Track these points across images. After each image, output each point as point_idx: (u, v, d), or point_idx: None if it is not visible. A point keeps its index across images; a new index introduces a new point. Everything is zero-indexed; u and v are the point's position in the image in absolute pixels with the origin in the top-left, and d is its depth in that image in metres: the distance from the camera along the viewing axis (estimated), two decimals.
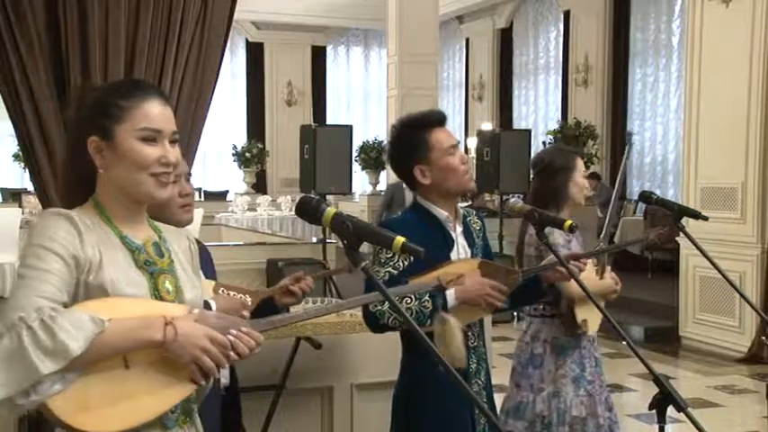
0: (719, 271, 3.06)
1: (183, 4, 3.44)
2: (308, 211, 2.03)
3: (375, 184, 16.84)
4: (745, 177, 7.64)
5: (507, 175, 9.23)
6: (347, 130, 8.79)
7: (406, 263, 2.67)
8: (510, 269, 2.89)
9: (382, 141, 15.83)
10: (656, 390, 2.12)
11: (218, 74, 3.67)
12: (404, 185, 3.06)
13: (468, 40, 18.58)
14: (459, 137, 17.40)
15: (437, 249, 2.72)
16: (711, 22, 7.91)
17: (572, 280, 2.84)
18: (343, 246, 1.98)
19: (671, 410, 2.11)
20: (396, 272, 2.71)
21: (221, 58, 3.68)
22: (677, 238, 7.84)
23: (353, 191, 13.07)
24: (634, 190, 13.75)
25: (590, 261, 3.19)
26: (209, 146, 17.00)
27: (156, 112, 1.87)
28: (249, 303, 2.24)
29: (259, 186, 17.72)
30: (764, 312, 6.63)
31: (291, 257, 7.67)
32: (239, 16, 7.02)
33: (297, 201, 2.08)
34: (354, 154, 12.59)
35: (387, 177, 12.90)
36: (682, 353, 8.15)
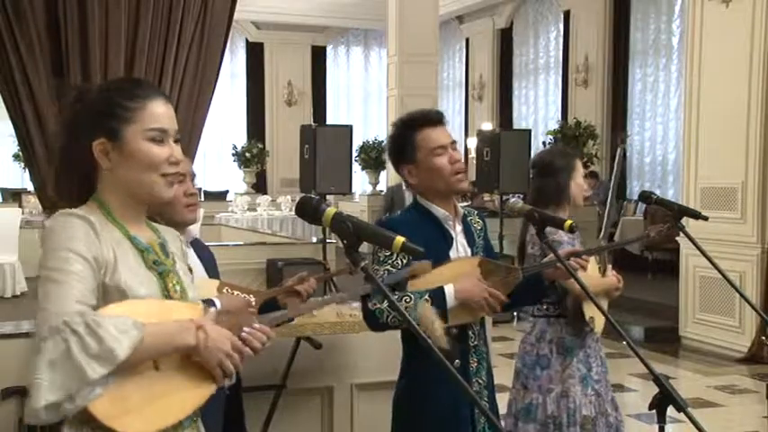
0: (719, 271, 3.06)
1: (183, 5, 3.44)
2: (308, 211, 2.03)
3: (375, 184, 16.85)
4: (745, 177, 7.64)
5: (507, 175, 9.23)
6: (347, 130, 8.79)
7: (404, 261, 2.67)
8: (510, 267, 2.89)
9: (382, 141, 15.84)
10: (656, 390, 2.12)
11: (218, 74, 3.67)
12: (403, 187, 3.07)
13: (468, 40, 18.58)
14: (459, 137, 17.42)
15: (436, 248, 2.71)
16: (711, 22, 7.91)
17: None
18: (343, 246, 1.99)
19: (671, 410, 2.11)
20: (394, 270, 2.71)
21: (221, 57, 3.69)
22: (677, 238, 7.85)
23: (353, 191, 13.07)
24: (634, 190, 13.75)
25: (593, 259, 3.19)
26: (210, 146, 17.00)
27: (161, 112, 1.88)
28: (253, 303, 2.24)
29: (259, 186, 17.73)
30: (764, 312, 6.63)
31: (291, 257, 7.67)
32: (239, 16, 7.02)
33: (297, 201, 2.08)
34: (354, 154, 12.60)
35: (387, 177, 12.91)
36: (682, 353, 8.15)
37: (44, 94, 3.26)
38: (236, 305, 2.42)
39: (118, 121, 1.83)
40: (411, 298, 2.65)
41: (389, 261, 2.71)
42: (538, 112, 16.76)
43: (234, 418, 2.84)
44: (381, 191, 15.64)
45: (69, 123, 1.88)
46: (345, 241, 1.98)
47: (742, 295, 3.31)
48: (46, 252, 1.74)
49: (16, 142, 3.57)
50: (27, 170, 3.70)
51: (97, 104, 1.85)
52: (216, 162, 17.97)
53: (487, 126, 15.91)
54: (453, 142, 2.89)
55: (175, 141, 1.90)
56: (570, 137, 13.53)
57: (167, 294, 1.88)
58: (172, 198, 1.94)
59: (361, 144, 16.60)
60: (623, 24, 14.37)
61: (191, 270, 2.04)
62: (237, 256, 7.69)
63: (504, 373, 3.52)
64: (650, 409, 2.14)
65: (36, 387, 1.61)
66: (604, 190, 12.29)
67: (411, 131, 2.86)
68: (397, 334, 2.95)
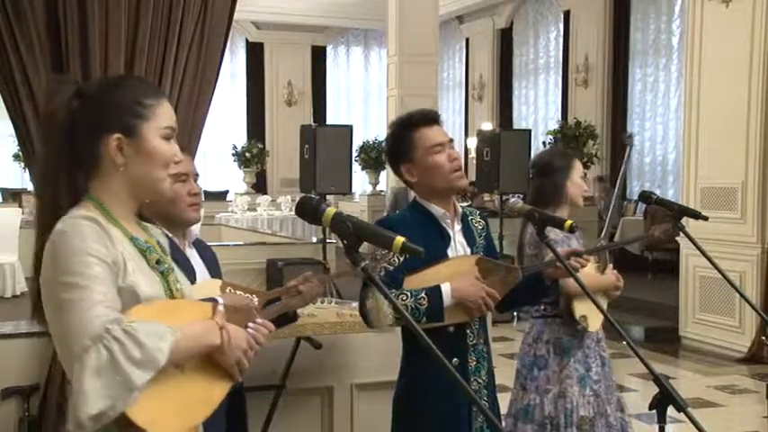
0: (719, 271, 3.06)
1: (183, 4, 3.44)
2: (308, 211, 2.03)
3: (375, 184, 16.85)
4: (745, 177, 7.64)
5: (507, 175, 9.23)
6: (347, 130, 8.79)
7: (401, 259, 2.67)
8: (510, 266, 2.89)
9: (382, 141, 15.83)
10: (656, 390, 2.12)
11: (218, 74, 3.67)
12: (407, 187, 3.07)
13: (468, 40, 18.58)
14: (459, 137, 17.43)
15: (434, 246, 2.72)
16: (711, 22, 7.91)
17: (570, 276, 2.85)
18: (343, 246, 1.99)
19: (671, 410, 2.11)
20: (391, 267, 2.72)
21: (221, 57, 3.68)
22: (677, 238, 7.85)
23: (353, 191, 13.07)
24: (634, 190, 13.75)
25: (591, 258, 3.19)
26: (210, 146, 17.01)
27: (171, 111, 1.90)
28: (256, 303, 2.24)
29: (259, 186, 17.73)
30: (764, 312, 6.63)
31: (291, 257, 7.67)
32: (239, 16, 7.03)
33: (297, 201, 2.09)
34: (354, 154, 12.59)
35: (387, 177, 12.90)
36: (682, 353, 8.15)
37: (44, 93, 3.26)
38: (237, 302, 2.42)
39: (138, 117, 1.82)
40: (408, 295, 2.65)
41: (386, 259, 2.71)
42: (538, 112, 16.76)
43: (237, 417, 2.83)
44: (381, 191, 15.66)
45: (71, 120, 1.82)
46: (345, 241, 1.98)
47: (742, 295, 3.32)
48: (65, 257, 1.70)
49: (16, 142, 3.57)
50: (27, 170, 3.70)
51: (112, 100, 1.83)
52: (216, 162, 17.97)
53: (487, 126, 15.91)
54: (451, 141, 2.90)
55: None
56: (570, 137, 13.52)
57: (170, 293, 1.88)
58: (171, 196, 1.94)
59: (361, 144, 16.60)
60: (623, 24, 14.37)
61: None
62: (237, 256, 7.69)
63: (504, 374, 3.52)
64: (650, 409, 2.14)
65: (82, 397, 1.61)
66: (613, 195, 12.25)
67: (408, 131, 2.87)
68: (397, 334, 2.96)
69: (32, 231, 1.88)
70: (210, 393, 1.84)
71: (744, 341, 7.65)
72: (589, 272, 3.17)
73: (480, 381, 2.85)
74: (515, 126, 16.66)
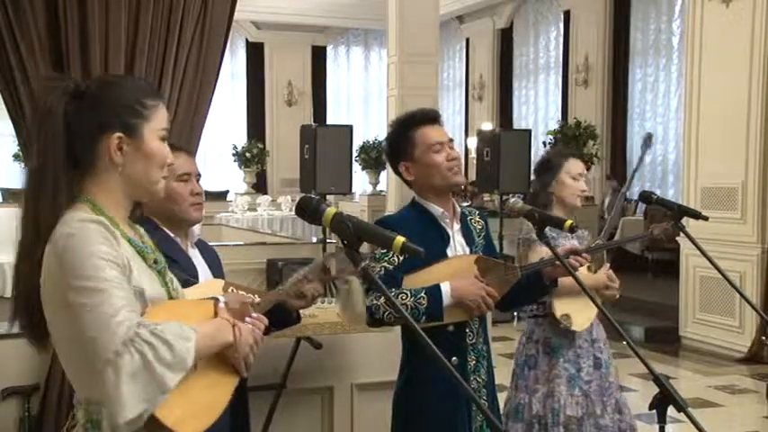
0: (720, 271, 3.06)
1: (183, 4, 3.44)
2: (308, 211, 2.03)
3: (375, 184, 16.85)
4: (746, 177, 7.64)
5: (507, 176, 9.22)
6: (347, 130, 8.78)
7: (401, 258, 2.68)
8: (509, 265, 2.89)
9: (382, 141, 15.78)
10: (656, 390, 2.12)
11: (218, 74, 3.67)
12: None
13: (468, 40, 18.57)
14: (459, 137, 17.43)
15: (433, 246, 2.72)
16: (711, 21, 7.91)
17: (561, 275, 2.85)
18: (344, 246, 1.99)
19: (671, 410, 2.11)
20: (391, 267, 2.72)
21: (221, 57, 3.69)
22: (677, 238, 7.84)
23: (354, 191, 13.06)
24: (634, 190, 13.73)
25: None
26: (210, 146, 16.99)
27: (166, 113, 1.90)
28: (252, 300, 2.24)
29: (259, 186, 17.72)
30: (765, 312, 6.62)
31: (291, 257, 7.66)
32: (239, 16, 7.02)
33: (297, 201, 2.09)
34: (355, 154, 12.59)
35: (387, 177, 12.90)
36: (682, 353, 8.15)
37: (38, 92, 3.25)
38: (232, 299, 2.42)
39: (139, 117, 1.82)
40: (408, 295, 2.66)
41: (386, 258, 2.72)
42: (538, 112, 16.75)
43: (240, 416, 2.83)
44: (381, 191, 15.64)
45: (67, 118, 1.79)
46: (345, 241, 1.98)
47: (742, 295, 3.32)
48: (77, 261, 1.69)
49: (16, 142, 3.57)
50: None
51: (113, 99, 1.82)
52: (216, 162, 17.96)
53: (487, 126, 15.90)
54: (450, 140, 2.91)
55: None
56: (570, 137, 13.52)
57: (168, 293, 1.89)
58: (162, 197, 1.94)
59: (362, 144, 16.59)
60: (623, 24, 14.36)
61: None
62: (238, 256, 7.67)
63: (503, 373, 3.52)
64: (650, 409, 2.14)
65: (120, 402, 1.61)
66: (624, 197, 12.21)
67: (408, 129, 2.88)
68: (397, 334, 2.96)
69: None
70: (222, 389, 1.87)
71: (744, 341, 7.65)
72: (581, 271, 3.16)
73: (480, 380, 2.85)
74: (515, 126, 16.65)
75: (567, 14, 15.49)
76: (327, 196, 8.53)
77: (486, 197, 13.24)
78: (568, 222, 2.77)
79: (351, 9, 17.36)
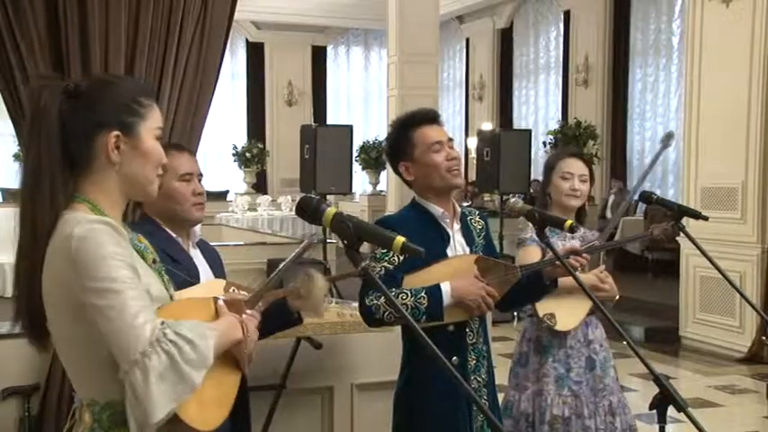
0: (720, 271, 3.06)
1: (183, 5, 3.44)
2: (308, 211, 2.03)
3: (375, 184, 16.86)
4: (746, 177, 7.64)
5: (507, 176, 9.22)
6: (347, 130, 8.79)
7: (401, 258, 2.68)
8: (509, 265, 2.89)
9: (382, 141, 15.82)
10: (656, 390, 2.12)
11: (218, 74, 3.67)
12: None
13: (468, 40, 18.58)
14: (460, 137, 17.43)
15: (433, 246, 2.72)
16: (712, 21, 7.91)
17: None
18: (344, 246, 1.99)
19: (671, 410, 2.11)
20: (391, 266, 2.72)
21: (221, 58, 3.68)
22: (677, 238, 7.84)
23: (354, 191, 13.07)
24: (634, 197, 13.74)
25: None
26: (210, 146, 17.00)
27: (160, 113, 1.90)
28: (259, 304, 2.24)
29: (259, 186, 17.74)
30: (765, 312, 6.62)
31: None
32: (239, 16, 7.02)
33: (297, 201, 2.09)
34: (355, 154, 12.59)
35: (387, 177, 12.90)
36: (682, 353, 8.15)
37: (31, 91, 3.25)
38: (229, 298, 2.42)
39: (136, 116, 1.81)
40: (408, 295, 2.66)
41: (386, 257, 2.73)
42: (538, 112, 16.77)
43: (240, 413, 2.83)
44: (381, 191, 15.65)
45: (62, 117, 1.77)
46: (346, 241, 1.98)
47: (742, 295, 3.31)
48: (92, 263, 1.67)
49: (16, 142, 3.57)
50: None
51: (109, 97, 1.81)
52: (216, 162, 17.98)
53: (488, 126, 15.91)
54: (450, 140, 2.91)
55: None
56: (570, 137, 13.53)
57: (168, 292, 1.89)
58: (156, 198, 1.94)
59: (362, 144, 16.61)
60: (623, 24, 14.37)
61: None
62: (238, 256, 7.68)
63: (503, 373, 3.52)
64: (650, 409, 2.14)
65: (151, 402, 1.62)
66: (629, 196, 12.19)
67: (408, 129, 2.89)
68: (398, 334, 2.96)
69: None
70: (229, 385, 1.91)
71: (744, 341, 7.65)
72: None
73: (480, 379, 2.86)
74: (515, 126, 16.67)
75: (567, 14, 15.50)
76: (327, 196, 8.54)
77: (487, 197, 13.25)
78: (568, 222, 2.77)
79: (351, 9, 17.37)
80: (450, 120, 18.60)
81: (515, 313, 8.67)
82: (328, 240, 7.87)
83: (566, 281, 3.00)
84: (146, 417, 1.63)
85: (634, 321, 8.80)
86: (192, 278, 2.63)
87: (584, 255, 2.98)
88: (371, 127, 19.33)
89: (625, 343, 2.47)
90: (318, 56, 19.73)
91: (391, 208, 10.79)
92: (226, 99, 17.87)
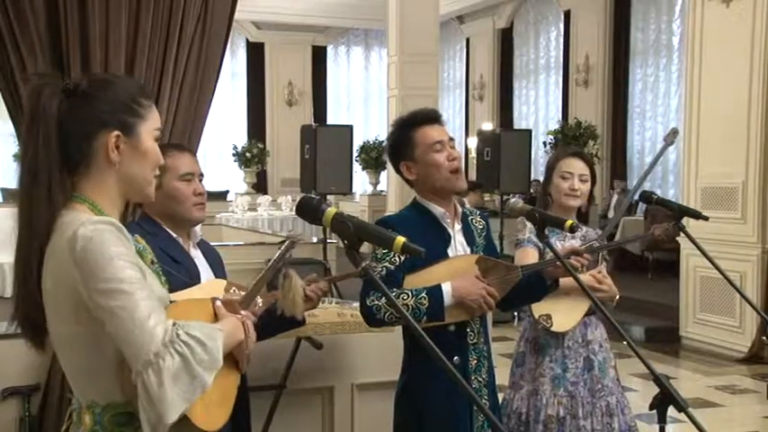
0: (720, 271, 3.06)
1: (183, 5, 3.44)
2: (308, 211, 2.03)
3: (375, 184, 16.86)
4: (746, 177, 7.64)
5: (508, 176, 9.23)
6: (348, 130, 8.79)
7: (402, 258, 2.68)
8: (510, 265, 2.89)
9: (383, 141, 15.83)
10: (656, 390, 2.12)
11: (218, 74, 3.67)
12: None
13: (468, 40, 18.58)
14: (460, 137, 17.43)
15: (434, 246, 2.72)
16: (712, 22, 7.91)
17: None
18: (344, 246, 1.99)
19: (671, 410, 2.11)
20: (392, 267, 2.72)
21: (222, 57, 3.69)
22: (678, 238, 7.84)
23: (354, 191, 13.07)
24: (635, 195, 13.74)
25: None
26: (210, 146, 17.02)
27: (158, 113, 1.89)
28: (260, 304, 2.24)
29: (259, 186, 17.73)
30: (765, 312, 6.62)
31: (291, 257, 7.64)
32: (240, 16, 7.02)
33: (297, 201, 2.09)
34: (355, 154, 12.59)
35: (387, 177, 12.90)
36: (682, 353, 8.15)
37: (29, 90, 3.25)
38: (226, 298, 2.43)
39: (134, 116, 1.81)
40: (409, 295, 2.66)
41: (387, 258, 2.72)
42: (538, 112, 16.77)
43: (241, 413, 2.83)
44: (382, 191, 15.65)
45: (61, 116, 1.76)
46: (346, 241, 1.98)
47: (742, 295, 3.31)
48: (100, 264, 1.66)
49: (16, 142, 3.57)
50: None
51: (109, 97, 1.79)
52: (216, 162, 17.98)
53: (488, 126, 15.91)
54: (451, 140, 2.91)
55: None
56: (571, 137, 13.53)
57: (167, 293, 1.89)
58: (153, 199, 1.93)
59: (362, 144, 16.60)
60: (624, 24, 14.37)
61: None
62: (238, 256, 7.67)
63: (504, 373, 3.52)
64: (651, 409, 2.14)
65: (165, 403, 1.63)
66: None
67: (410, 129, 2.89)
68: (398, 334, 2.96)
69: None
70: (230, 385, 1.92)
71: (744, 341, 7.65)
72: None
73: (481, 380, 2.86)
74: (516, 126, 16.67)
75: (567, 14, 15.50)
76: (328, 196, 8.54)
77: (487, 197, 13.24)
78: (569, 222, 2.77)
79: (351, 9, 17.37)
80: (450, 120, 18.59)
81: (515, 313, 8.67)
82: (328, 240, 7.87)
83: (565, 281, 2.99)
84: (159, 418, 1.63)
85: (634, 321, 8.80)
86: (192, 279, 2.63)
87: (585, 255, 2.97)
88: (372, 127, 19.33)
89: (625, 343, 2.47)
90: (319, 56, 19.73)
91: (391, 208, 10.80)
92: (226, 99, 17.87)
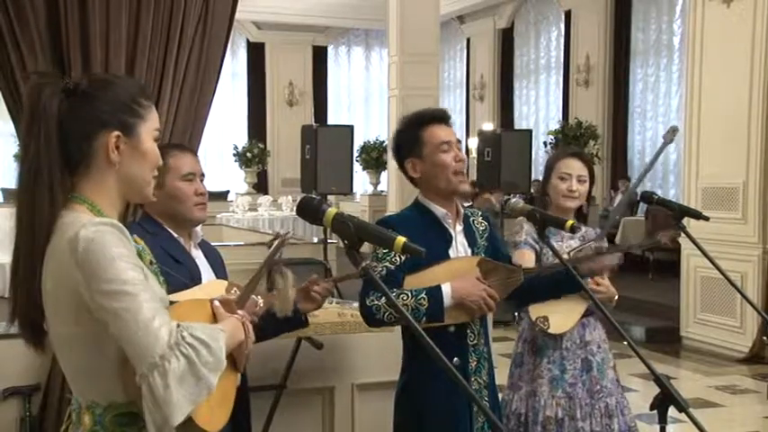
0: (720, 271, 3.06)
1: (184, 5, 3.44)
2: (309, 211, 2.04)
3: (376, 184, 16.86)
4: (746, 177, 7.64)
5: (508, 176, 9.23)
6: (348, 131, 8.80)
7: (403, 258, 2.67)
8: (511, 267, 2.89)
9: (383, 141, 15.84)
10: (657, 390, 2.12)
11: (219, 74, 3.67)
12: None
13: (469, 40, 18.59)
14: (461, 137, 17.41)
15: (435, 247, 2.72)
16: (712, 21, 7.90)
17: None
18: (344, 246, 1.99)
19: (672, 410, 2.11)
20: (393, 267, 2.72)
21: (222, 58, 3.69)
22: (679, 239, 7.84)
23: (354, 191, 13.07)
24: (635, 190, 13.74)
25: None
26: (211, 146, 17.02)
27: (157, 114, 1.89)
28: (261, 304, 2.23)
29: (260, 186, 17.74)
30: (765, 313, 6.62)
31: (292, 257, 7.65)
32: (240, 16, 7.02)
33: (298, 201, 2.09)
34: (355, 154, 12.60)
35: (387, 177, 12.91)
36: (683, 353, 8.15)
37: (28, 89, 3.25)
38: (222, 298, 2.43)
39: (134, 116, 1.80)
40: (409, 295, 2.66)
41: (388, 258, 2.72)
42: (539, 112, 16.77)
43: (241, 413, 2.83)
44: (382, 191, 15.65)
45: (61, 115, 1.74)
46: (346, 241, 1.98)
47: (743, 295, 3.31)
48: (103, 265, 1.66)
49: (17, 142, 3.57)
50: None
51: (109, 97, 1.78)
52: (217, 162, 17.98)
53: (488, 126, 15.91)
54: (458, 141, 2.92)
55: None
56: (571, 137, 13.53)
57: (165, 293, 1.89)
58: (152, 199, 1.93)
59: (363, 144, 16.61)
60: (624, 24, 14.37)
61: None
62: (238, 257, 7.66)
63: (504, 374, 3.52)
64: (651, 409, 2.14)
65: (171, 405, 1.63)
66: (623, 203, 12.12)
67: (418, 127, 2.89)
68: (398, 334, 2.96)
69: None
70: (229, 385, 1.91)
71: (745, 341, 7.65)
72: None
73: (481, 381, 2.85)
74: (516, 126, 16.67)
75: (567, 14, 15.50)
76: (328, 196, 8.54)
77: (486, 197, 13.23)
78: (569, 222, 2.77)
79: (351, 9, 17.37)
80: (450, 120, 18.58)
81: (515, 314, 8.67)
82: (329, 241, 7.87)
83: None
84: (165, 419, 1.63)
85: (635, 321, 8.80)
86: (194, 279, 2.63)
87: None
88: (372, 127, 19.33)
89: (626, 343, 2.47)
90: (319, 56, 19.74)
91: (392, 208, 10.80)
92: (226, 99, 17.88)
